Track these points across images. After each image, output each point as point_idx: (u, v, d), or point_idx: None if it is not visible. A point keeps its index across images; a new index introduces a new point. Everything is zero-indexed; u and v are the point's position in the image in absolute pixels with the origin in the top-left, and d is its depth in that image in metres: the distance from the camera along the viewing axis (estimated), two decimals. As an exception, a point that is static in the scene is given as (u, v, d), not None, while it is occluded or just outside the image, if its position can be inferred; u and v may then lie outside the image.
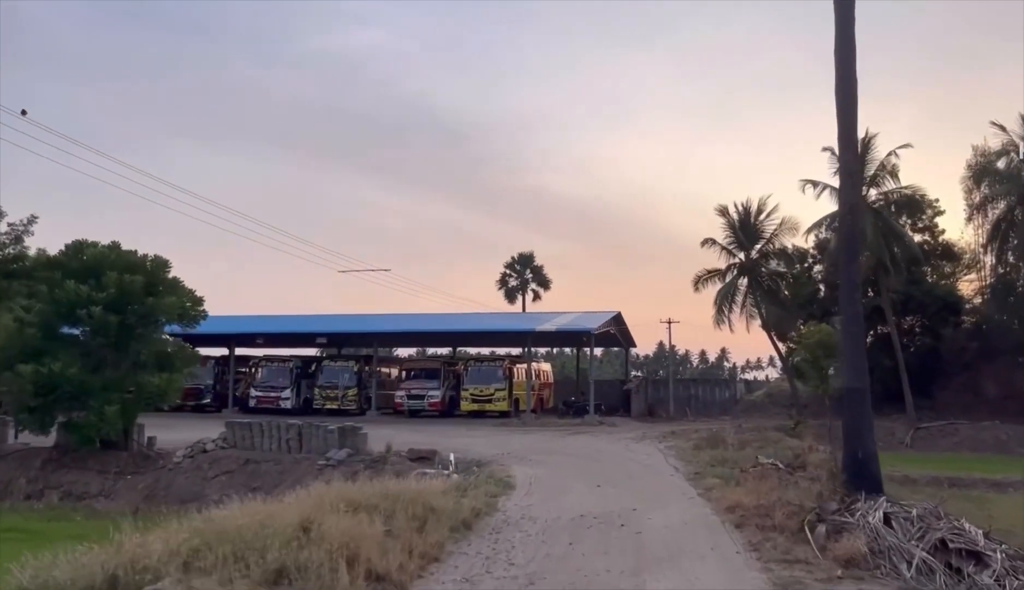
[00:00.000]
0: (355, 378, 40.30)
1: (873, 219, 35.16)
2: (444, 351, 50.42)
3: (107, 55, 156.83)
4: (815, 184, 36.48)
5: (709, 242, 39.20)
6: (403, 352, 59.28)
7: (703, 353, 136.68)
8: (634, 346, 48.70)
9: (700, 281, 40.01)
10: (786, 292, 39.73)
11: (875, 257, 35.11)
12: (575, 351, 51.63)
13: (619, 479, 15.99)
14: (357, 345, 45.79)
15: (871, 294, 40.34)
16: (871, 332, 41.61)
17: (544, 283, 60.76)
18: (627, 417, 43.38)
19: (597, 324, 37.53)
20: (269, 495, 17.29)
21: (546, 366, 46.71)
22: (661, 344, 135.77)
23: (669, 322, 45.95)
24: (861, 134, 36.25)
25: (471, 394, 38.73)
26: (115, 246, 21.20)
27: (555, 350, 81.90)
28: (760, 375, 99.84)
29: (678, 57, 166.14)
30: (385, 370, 44.02)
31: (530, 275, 60.73)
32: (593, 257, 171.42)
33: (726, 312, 39.41)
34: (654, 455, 20.94)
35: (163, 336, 21.50)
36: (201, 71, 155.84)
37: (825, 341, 25.53)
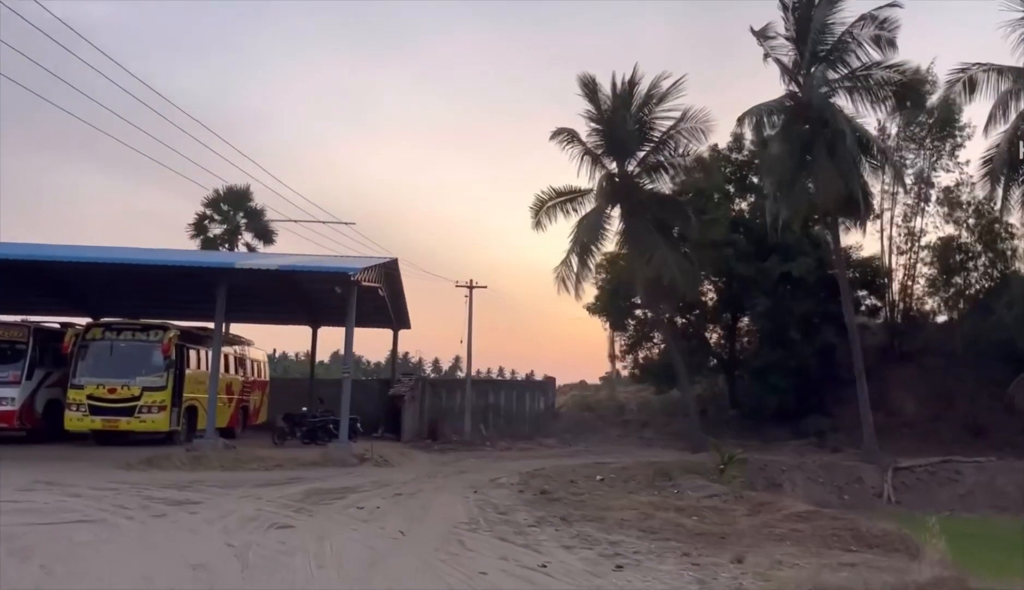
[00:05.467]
0: None
1: (838, 118, 20.59)
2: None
3: None
4: (764, 37, 20.99)
5: (566, 136, 22.34)
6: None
7: (436, 361, 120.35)
8: (407, 326, 30.77)
9: (545, 209, 23.02)
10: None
11: (842, 183, 20.46)
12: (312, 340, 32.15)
13: None
14: None
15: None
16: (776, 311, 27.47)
17: (266, 236, 40.31)
18: (393, 439, 25.62)
19: (362, 267, 19.21)
20: None
21: (258, 353, 27.21)
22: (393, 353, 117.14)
23: (471, 286, 28.59)
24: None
25: (90, 397, 18.63)
26: None
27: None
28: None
29: (418, 75, 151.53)
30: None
31: (244, 220, 40.14)
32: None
33: (575, 266, 22.67)
34: None
35: None
36: None
37: None
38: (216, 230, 39.76)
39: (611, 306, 32.22)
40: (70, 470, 15.02)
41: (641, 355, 32.36)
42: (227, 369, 23.31)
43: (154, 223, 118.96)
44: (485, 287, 28.98)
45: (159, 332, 19.55)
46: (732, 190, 30.17)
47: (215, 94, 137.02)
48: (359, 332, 32.77)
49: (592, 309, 33.72)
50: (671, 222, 22.04)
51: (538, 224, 23.10)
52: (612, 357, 35.75)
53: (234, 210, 40.07)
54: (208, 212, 39.77)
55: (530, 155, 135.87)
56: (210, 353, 22.03)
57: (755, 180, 31.45)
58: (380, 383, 31.52)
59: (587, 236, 21.98)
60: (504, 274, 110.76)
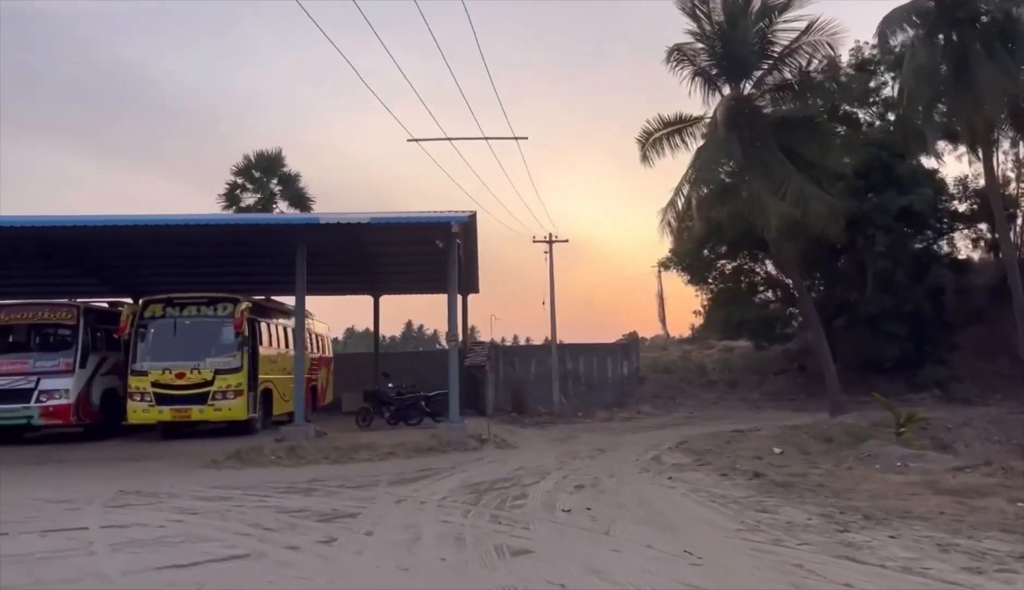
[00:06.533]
0: None
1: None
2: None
3: None
4: None
5: (675, 57, 19.23)
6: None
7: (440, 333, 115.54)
8: (476, 290, 27.96)
9: (651, 142, 20.02)
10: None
11: (1012, 87, 17.43)
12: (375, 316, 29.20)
13: None
14: None
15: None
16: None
17: (302, 203, 37.41)
18: (474, 414, 23.02)
19: (466, 217, 16.31)
20: None
21: (321, 326, 24.45)
22: (409, 323, 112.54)
23: (550, 240, 25.77)
24: None
25: (155, 384, 15.99)
26: None
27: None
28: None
29: (410, 45, 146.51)
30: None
31: (278, 187, 37.18)
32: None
33: (680, 206, 19.61)
34: None
35: None
36: None
37: None
38: (249, 199, 36.87)
39: (694, 258, 29.48)
40: (151, 473, 12.45)
41: (730, 309, 29.48)
42: (301, 342, 20.69)
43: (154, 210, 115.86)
44: (567, 241, 26.09)
45: (228, 305, 16.79)
46: (826, 119, 27.13)
47: (201, 77, 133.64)
48: (421, 299, 29.93)
49: (668, 263, 31.02)
50: (801, 150, 19.06)
51: (644, 158, 20.11)
52: (663, 317, 33.06)
53: (267, 177, 37.19)
54: (239, 180, 36.89)
55: (525, 116, 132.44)
56: (280, 327, 19.53)
57: (847, 108, 28.49)
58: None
59: (707, 170, 18.99)
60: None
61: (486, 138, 18.79)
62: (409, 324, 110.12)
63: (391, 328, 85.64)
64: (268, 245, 18.45)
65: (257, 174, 37.07)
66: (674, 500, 9.12)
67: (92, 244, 19.64)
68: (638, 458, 13.43)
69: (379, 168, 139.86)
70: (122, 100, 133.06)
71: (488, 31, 79.43)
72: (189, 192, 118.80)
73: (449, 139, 18.42)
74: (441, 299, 28.73)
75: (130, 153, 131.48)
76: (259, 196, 36.94)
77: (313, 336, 22.86)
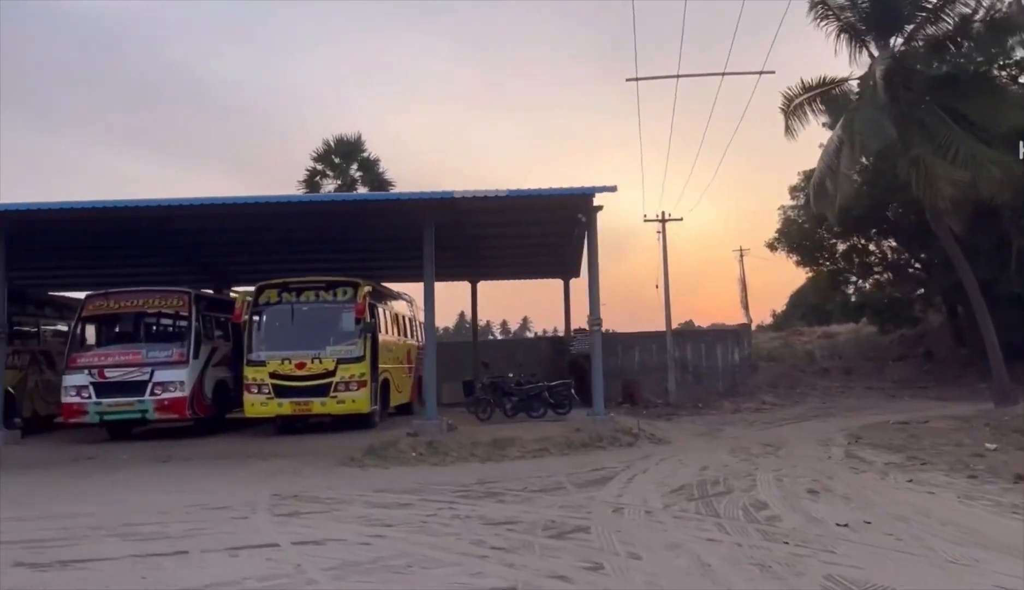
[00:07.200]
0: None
1: None
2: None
3: None
4: None
5: (819, 11, 17.31)
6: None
7: (504, 323, 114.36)
8: (577, 274, 26.43)
9: (795, 108, 18.12)
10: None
11: None
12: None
13: None
14: None
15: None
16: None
17: (383, 188, 36.23)
18: (585, 405, 21.46)
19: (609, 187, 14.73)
20: None
21: (420, 314, 23.03)
22: (462, 315, 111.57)
23: (663, 219, 24.14)
24: None
25: (273, 375, 14.86)
26: None
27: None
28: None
29: (456, 37, 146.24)
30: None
31: (359, 173, 36.11)
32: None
33: (831, 172, 17.70)
34: None
35: None
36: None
37: None
38: (329, 185, 35.87)
39: (807, 236, 27.62)
40: (289, 472, 11.29)
41: (849, 291, 27.60)
42: (404, 332, 19.54)
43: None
44: (681, 220, 24.43)
45: (348, 289, 15.57)
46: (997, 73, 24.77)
47: (253, 73, 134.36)
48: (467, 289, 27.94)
49: (775, 244, 29.22)
50: (966, 110, 17.10)
51: (788, 129, 18.33)
52: (746, 303, 31.29)
53: (347, 162, 36.18)
54: (319, 167, 35.95)
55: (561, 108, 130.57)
56: (393, 314, 18.41)
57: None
58: (549, 342, 27.40)
59: (869, 132, 17.12)
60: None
61: (724, 73, 16.99)
62: (462, 315, 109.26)
63: (444, 319, 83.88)
64: (383, 227, 17.25)
65: (337, 159, 36.11)
66: (959, 510, 7.54)
67: (180, 230, 18.53)
68: (829, 455, 11.83)
69: (423, 157, 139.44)
70: (172, 99, 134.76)
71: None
72: (239, 188, 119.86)
73: (676, 76, 16.89)
74: (494, 287, 27.50)
75: (181, 151, 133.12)
76: (339, 182, 35.96)
77: (416, 324, 21.66)
